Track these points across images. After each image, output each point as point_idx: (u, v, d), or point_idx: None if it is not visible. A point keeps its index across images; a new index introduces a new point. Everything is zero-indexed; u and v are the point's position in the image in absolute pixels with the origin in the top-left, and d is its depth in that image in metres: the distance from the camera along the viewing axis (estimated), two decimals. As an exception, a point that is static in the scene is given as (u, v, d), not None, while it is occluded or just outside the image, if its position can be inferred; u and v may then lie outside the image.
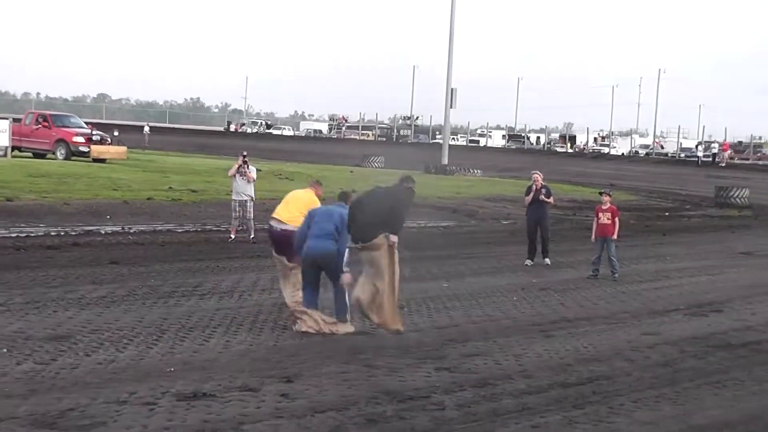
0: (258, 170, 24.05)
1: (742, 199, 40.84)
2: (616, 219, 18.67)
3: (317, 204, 13.69)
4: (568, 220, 30.71)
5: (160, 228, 22.69)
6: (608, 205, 18.80)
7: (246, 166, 21.53)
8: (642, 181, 54.80)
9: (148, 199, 27.70)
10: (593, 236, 18.79)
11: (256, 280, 16.03)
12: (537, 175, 20.27)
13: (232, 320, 12.66)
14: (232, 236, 21.42)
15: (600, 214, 18.79)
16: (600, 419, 8.93)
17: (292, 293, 13.09)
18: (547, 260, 19.93)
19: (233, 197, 21.75)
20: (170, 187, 31.24)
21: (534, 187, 20.21)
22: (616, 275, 18.15)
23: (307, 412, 8.72)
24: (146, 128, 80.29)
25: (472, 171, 54.05)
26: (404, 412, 8.87)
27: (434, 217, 29.32)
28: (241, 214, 21.48)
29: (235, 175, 21.59)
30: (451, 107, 59.90)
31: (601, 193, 19.47)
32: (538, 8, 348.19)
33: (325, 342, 11.76)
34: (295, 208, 13.62)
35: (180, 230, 22.60)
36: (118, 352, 10.64)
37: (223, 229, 22.70)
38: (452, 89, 59.13)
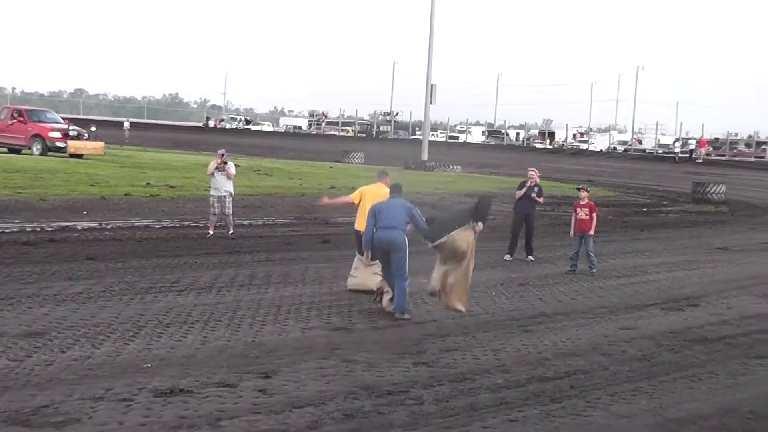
0: (236, 166, 23.98)
1: (719, 195, 41.07)
2: (594, 214, 18.75)
3: (387, 195, 14.58)
4: (546, 216, 30.74)
5: (137, 224, 22.60)
6: (586, 200, 18.89)
7: (224, 163, 21.46)
8: (620, 177, 55.05)
9: (126, 194, 27.57)
10: (572, 231, 18.86)
11: (234, 276, 15.99)
12: (533, 173, 20.45)
13: (210, 316, 12.61)
14: (211, 232, 21.35)
15: (578, 210, 18.85)
16: (577, 413, 8.95)
17: (370, 277, 14.60)
18: (531, 257, 19.95)
19: (212, 193, 21.65)
20: (148, 183, 31.10)
21: (528, 183, 20.29)
22: (594, 270, 18.22)
23: (284, 407, 8.70)
24: (126, 124, 79.88)
25: (451, 167, 54.12)
26: (382, 406, 8.86)
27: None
28: (219, 210, 21.40)
29: (213, 173, 21.51)
30: (431, 103, 59.89)
31: (578, 189, 19.56)
32: (518, 5, 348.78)
33: (303, 338, 11.74)
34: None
35: (158, 226, 22.51)
36: (94, 349, 10.57)
37: (201, 225, 22.65)
38: (432, 85, 59.14)
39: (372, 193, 15.07)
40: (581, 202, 18.93)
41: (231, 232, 21.32)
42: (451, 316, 13.44)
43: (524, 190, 20.28)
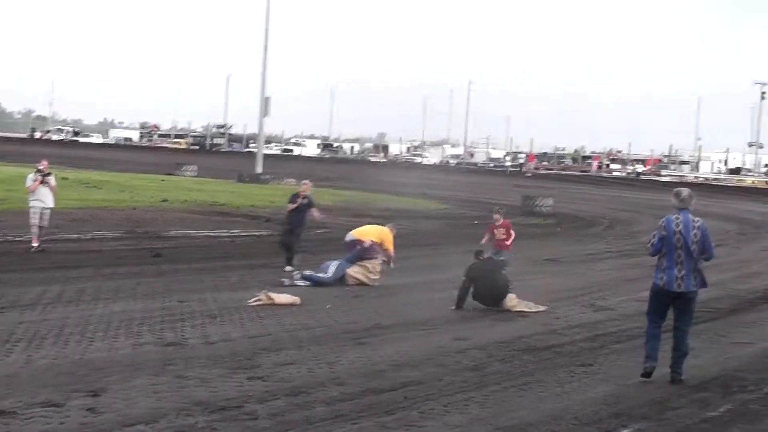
0: (64, 179, 23.40)
1: (547, 208, 42.33)
2: (511, 231, 19.59)
3: (389, 237, 19.44)
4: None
5: (-42, 239, 21.70)
6: (501, 221, 19.84)
7: (47, 175, 20.94)
8: (453, 191, 56.05)
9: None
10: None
11: (61, 292, 15.52)
12: (306, 185, 20.77)
13: (35, 334, 12.18)
14: (35, 245, 20.71)
15: (495, 231, 19.74)
16: (411, 424, 9.01)
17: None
18: (289, 267, 19.58)
19: (33, 204, 21.00)
20: (-31, 197, 29.93)
21: (300, 194, 20.45)
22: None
23: (114, 426, 8.47)
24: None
25: (286, 180, 54.02)
26: (216, 422, 8.73)
27: (248, 226, 29.16)
28: (40, 221, 20.81)
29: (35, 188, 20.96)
30: (265, 116, 59.79)
31: (493, 212, 20.68)
32: (352, 20, 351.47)
33: (134, 354, 11.47)
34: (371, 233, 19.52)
35: (-20, 241, 21.66)
36: None
37: (26, 239, 21.88)
38: (266, 98, 59.07)
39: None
40: (497, 224, 19.86)
41: (36, 244, 20.73)
42: (285, 329, 13.39)
43: (299, 202, 20.31)
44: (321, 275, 18.08)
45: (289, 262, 19.82)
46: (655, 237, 11.32)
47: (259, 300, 15.36)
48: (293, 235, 20.23)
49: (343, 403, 9.59)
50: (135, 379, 10.18)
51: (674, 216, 11.27)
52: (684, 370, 11.28)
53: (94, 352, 11.46)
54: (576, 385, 10.99)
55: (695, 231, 11.14)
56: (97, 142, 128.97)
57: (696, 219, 11.32)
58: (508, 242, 19.68)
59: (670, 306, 11.34)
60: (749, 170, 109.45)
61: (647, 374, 11.18)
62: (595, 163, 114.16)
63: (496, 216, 20.01)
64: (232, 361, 11.25)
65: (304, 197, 20.37)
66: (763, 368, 12.32)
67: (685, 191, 11.57)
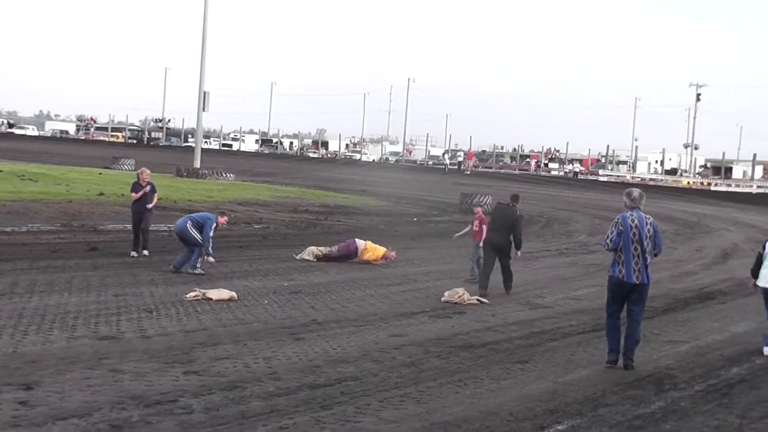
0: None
1: (486, 206, 42.46)
2: (483, 226, 19.63)
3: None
4: (320, 225, 31.00)
5: None
6: (479, 214, 20.34)
7: None
8: (392, 188, 56.13)
9: None
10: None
11: (-5, 285, 15.30)
12: (146, 173, 21.03)
13: (-33, 326, 12.00)
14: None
15: (474, 223, 20.17)
16: (347, 419, 9.03)
17: None
18: (134, 252, 20.42)
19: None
20: None
21: (141, 183, 20.83)
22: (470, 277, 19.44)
23: (47, 419, 8.38)
24: None
25: (224, 175, 53.76)
26: (151, 416, 8.68)
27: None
28: None
29: None
30: (203, 110, 59.34)
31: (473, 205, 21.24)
32: (292, 15, 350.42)
33: (68, 347, 11.35)
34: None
35: None
36: None
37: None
38: (205, 92, 58.63)
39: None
40: (475, 216, 20.31)
41: None
42: (222, 324, 13.34)
43: (142, 192, 20.66)
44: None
45: (135, 248, 20.53)
46: (612, 233, 12.05)
47: (196, 295, 15.29)
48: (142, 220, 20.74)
49: (279, 398, 9.58)
50: (69, 372, 10.09)
51: (629, 213, 12.10)
52: (635, 357, 12.06)
53: (28, 345, 11.32)
54: (511, 381, 11.09)
55: (648, 227, 12.07)
56: (32, 134, 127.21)
57: (648, 216, 12.24)
58: (480, 235, 19.79)
59: (627, 297, 12.14)
60: (685, 171, 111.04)
61: (612, 363, 12.05)
62: (533, 162, 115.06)
63: (476, 209, 20.83)
64: (167, 356, 11.19)
65: (148, 184, 20.87)
66: (695, 366, 12.52)
67: (635, 191, 12.44)
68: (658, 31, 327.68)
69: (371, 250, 21.79)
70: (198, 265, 18.16)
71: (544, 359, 12.39)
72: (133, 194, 20.97)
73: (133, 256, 20.13)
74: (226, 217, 19.54)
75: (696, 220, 44.12)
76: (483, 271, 18.20)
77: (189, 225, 18.42)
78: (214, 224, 18.49)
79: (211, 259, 18.29)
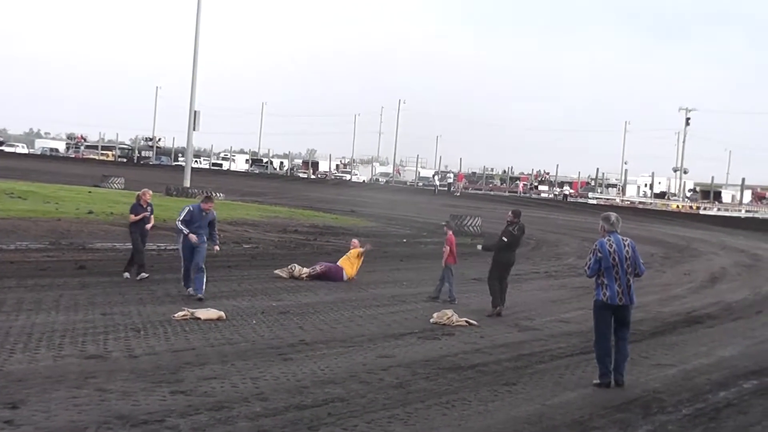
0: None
1: (475, 228, 42.52)
2: (447, 248, 19.95)
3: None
4: (309, 245, 30.96)
5: None
6: (448, 235, 20.39)
7: None
8: (381, 208, 56.16)
9: None
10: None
11: (-17, 303, 15.24)
12: (148, 194, 20.82)
13: (-47, 344, 11.94)
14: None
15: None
16: (334, 440, 9.01)
17: None
18: (128, 274, 20.03)
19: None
20: None
21: (142, 204, 20.62)
22: (435, 296, 19.92)
23: (32, 439, 8.34)
24: None
25: (214, 194, 53.68)
26: (136, 437, 8.64)
27: (174, 239, 28.82)
28: None
29: None
30: (194, 129, 59.33)
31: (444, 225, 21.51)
32: (283, 35, 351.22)
33: (54, 366, 11.31)
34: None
35: None
36: None
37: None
38: (195, 111, 58.65)
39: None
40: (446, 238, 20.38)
41: None
42: (210, 344, 13.30)
43: (141, 215, 20.48)
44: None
45: (129, 269, 20.12)
46: (591, 260, 12.41)
47: (184, 315, 15.26)
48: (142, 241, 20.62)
49: (266, 419, 9.56)
50: (55, 391, 10.05)
51: (606, 239, 12.38)
52: (625, 372, 12.48)
53: (14, 364, 11.27)
54: (499, 404, 11.08)
55: (627, 249, 12.36)
56: (22, 152, 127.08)
57: (625, 238, 12.52)
58: (445, 256, 19.89)
59: (613, 319, 12.40)
60: (674, 194, 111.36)
61: (606, 386, 12.24)
62: (521, 185, 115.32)
63: (446, 230, 20.95)
64: (155, 375, 11.15)
65: (148, 205, 20.71)
66: (683, 390, 12.52)
67: (612, 215, 12.70)
68: (647, 56, 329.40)
69: (348, 263, 22.38)
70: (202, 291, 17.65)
71: (532, 382, 12.38)
72: (132, 216, 20.61)
73: (125, 278, 19.73)
74: (211, 203, 18.85)
75: (685, 244, 44.24)
76: (495, 290, 18.51)
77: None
78: (187, 208, 18.41)
79: (192, 236, 18.02)
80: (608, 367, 12.29)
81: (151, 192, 21.13)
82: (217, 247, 18.92)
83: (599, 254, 12.27)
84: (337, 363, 12.68)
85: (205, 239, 18.35)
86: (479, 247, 18.93)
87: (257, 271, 22.69)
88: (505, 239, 18.99)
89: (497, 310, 18.13)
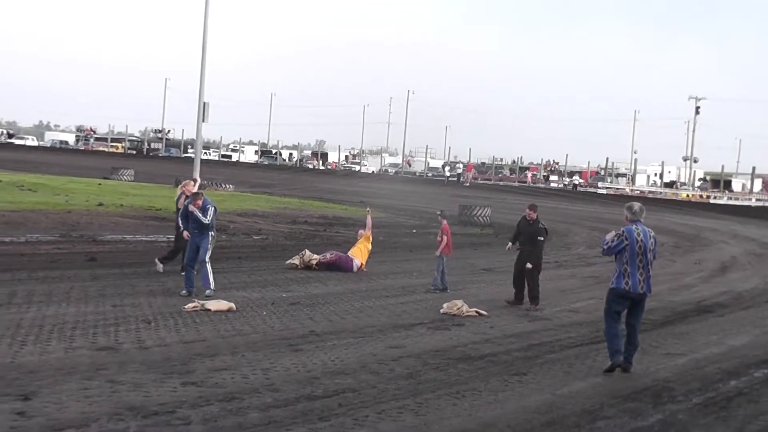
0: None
1: (485, 218, 42.47)
2: (444, 237, 19.81)
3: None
4: (318, 236, 30.99)
5: None
6: (442, 224, 20.22)
7: None
8: (391, 199, 56.11)
9: None
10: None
11: (-6, 295, 15.29)
12: (190, 184, 20.29)
13: (-35, 337, 11.99)
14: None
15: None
16: (345, 431, 9.03)
17: None
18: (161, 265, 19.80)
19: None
20: None
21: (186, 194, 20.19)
22: (432, 287, 19.70)
23: (44, 430, 8.38)
24: None
25: (224, 186, 53.76)
26: (148, 427, 8.67)
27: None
28: None
29: None
30: (203, 121, 59.21)
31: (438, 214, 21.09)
32: (292, 26, 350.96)
33: (65, 358, 11.35)
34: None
35: None
36: None
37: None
38: (205, 103, 58.43)
39: None
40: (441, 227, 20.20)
41: None
42: (220, 335, 13.33)
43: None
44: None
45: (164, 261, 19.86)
46: (614, 241, 12.44)
47: (195, 306, 15.29)
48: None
49: (277, 410, 9.58)
50: (66, 383, 10.08)
51: (633, 227, 12.50)
52: (634, 361, 12.60)
53: (26, 356, 11.31)
54: (509, 393, 11.08)
55: (652, 240, 12.52)
56: (32, 144, 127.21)
57: (650, 229, 12.72)
58: (440, 245, 19.78)
59: (627, 306, 12.56)
60: (684, 184, 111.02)
61: (616, 367, 12.38)
62: (530, 175, 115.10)
63: (441, 218, 20.60)
64: (165, 366, 11.18)
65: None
66: (693, 379, 12.51)
67: (636, 205, 12.86)
68: (657, 45, 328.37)
69: (358, 251, 22.61)
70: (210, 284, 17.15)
71: (542, 371, 12.38)
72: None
73: (159, 270, 19.40)
74: (198, 201, 17.56)
75: (695, 233, 44.14)
76: (515, 284, 18.67)
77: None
78: (213, 208, 17.62)
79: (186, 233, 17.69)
80: (619, 346, 12.38)
81: (192, 182, 20.42)
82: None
83: (626, 241, 12.34)
84: (348, 354, 12.69)
85: (208, 232, 17.44)
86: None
87: (267, 262, 22.72)
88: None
89: (511, 302, 18.33)
